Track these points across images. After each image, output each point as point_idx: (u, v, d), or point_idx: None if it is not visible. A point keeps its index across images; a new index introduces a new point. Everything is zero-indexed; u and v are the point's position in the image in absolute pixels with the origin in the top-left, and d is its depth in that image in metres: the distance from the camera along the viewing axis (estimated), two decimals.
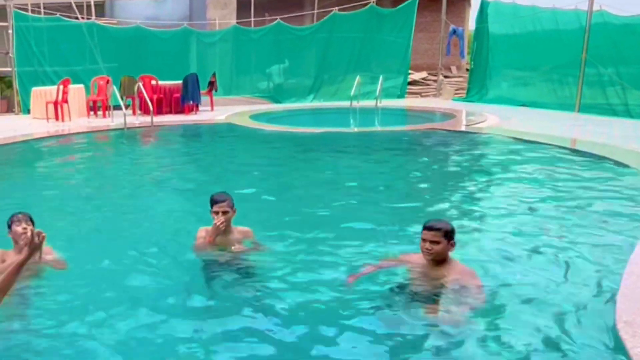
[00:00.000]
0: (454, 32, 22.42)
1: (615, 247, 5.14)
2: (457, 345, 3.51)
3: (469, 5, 27.66)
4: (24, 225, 4.38)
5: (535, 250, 5.17)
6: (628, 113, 14.48)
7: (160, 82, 16.11)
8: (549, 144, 10.42)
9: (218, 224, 4.67)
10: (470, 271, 4.25)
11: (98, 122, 14.77)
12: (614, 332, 3.43)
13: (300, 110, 17.59)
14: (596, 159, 9.13)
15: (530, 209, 6.59)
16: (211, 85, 17.22)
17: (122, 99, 14.66)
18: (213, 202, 4.79)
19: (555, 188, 7.51)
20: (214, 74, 17.44)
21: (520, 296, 4.17)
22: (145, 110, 15.10)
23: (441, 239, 4.13)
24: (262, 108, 17.49)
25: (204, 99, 16.83)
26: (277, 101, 19.31)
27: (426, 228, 4.19)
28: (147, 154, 11.92)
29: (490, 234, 5.74)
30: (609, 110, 15.04)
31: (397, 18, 20.54)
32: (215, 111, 16.43)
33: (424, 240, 4.18)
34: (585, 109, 15.65)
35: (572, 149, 10.14)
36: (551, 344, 3.53)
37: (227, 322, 3.83)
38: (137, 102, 15.76)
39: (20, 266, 3.01)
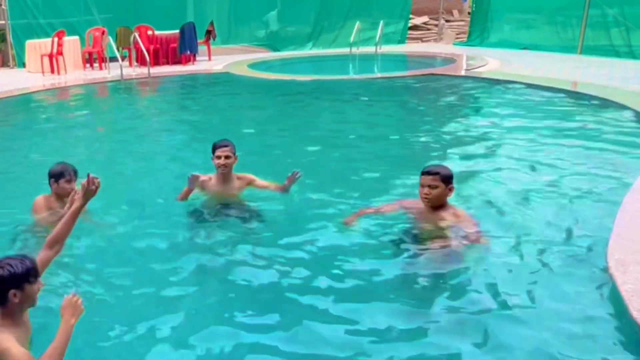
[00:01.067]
0: None
1: (612, 187, 5.24)
2: (460, 287, 3.65)
3: None
4: (73, 185, 4.34)
5: (534, 191, 5.26)
6: (631, 54, 14.37)
7: (157, 32, 15.94)
8: (550, 87, 10.42)
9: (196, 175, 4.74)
10: (468, 216, 4.30)
11: (94, 74, 14.71)
12: (605, 269, 3.53)
13: (299, 58, 17.47)
14: (597, 101, 9.14)
15: (529, 151, 6.67)
16: (209, 34, 17.07)
17: (118, 50, 14.58)
18: (215, 147, 4.80)
19: (554, 131, 7.58)
20: (211, 23, 17.26)
21: (518, 237, 4.26)
22: (142, 62, 14.99)
23: (439, 183, 4.16)
24: (260, 56, 17.37)
25: (202, 48, 16.72)
26: (276, 49, 19.13)
27: (424, 173, 4.23)
28: (145, 106, 11.97)
29: (489, 177, 5.80)
30: (611, 51, 14.92)
31: None
32: (213, 60, 16.36)
33: (422, 185, 4.21)
34: (587, 50, 15.53)
35: (573, 91, 10.14)
36: (545, 281, 3.65)
37: (224, 277, 3.90)
38: (133, 53, 15.55)
39: (76, 214, 3.03)
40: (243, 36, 19.74)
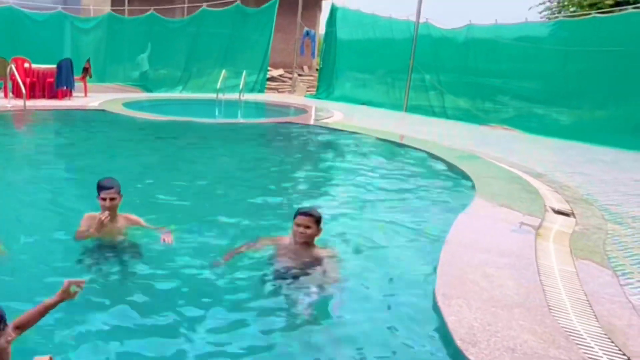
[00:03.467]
0: (307, 34, 22.82)
1: (435, 228, 5.44)
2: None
3: (320, 10, 28.21)
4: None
5: (372, 231, 5.40)
6: (445, 114, 15.59)
7: (34, 66, 14.76)
8: (383, 138, 11.01)
9: (103, 218, 4.29)
10: (332, 251, 4.43)
11: None
12: (434, 302, 3.62)
13: (171, 100, 16.98)
14: (418, 152, 9.74)
15: (366, 192, 6.94)
16: (85, 71, 16.12)
17: None
18: (101, 188, 4.40)
19: (386, 176, 7.96)
20: (88, 60, 16.34)
21: (362, 272, 4.35)
22: (17, 94, 13.70)
23: (313, 225, 4.23)
24: (134, 96, 16.64)
25: (78, 84, 15.75)
26: (149, 90, 18.51)
27: (301, 214, 4.25)
28: (20, 139, 10.92)
29: (333, 218, 5.80)
30: (429, 111, 16.08)
31: (260, 17, 20.42)
32: (89, 97, 15.43)
33: (298, 224, 4.22)
34: (411, 109, 16.64)
35: (401, 143, 10.77)
36: (383, 311, 3.75)
37: (108, 309, 3.62)
38: (9, 84, 14.16)
39: (48, 309, 2.67)
40: (118, 75, 18.96)
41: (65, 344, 3.17)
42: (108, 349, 3.16)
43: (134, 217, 4.72)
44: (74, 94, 15.39)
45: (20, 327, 2.62)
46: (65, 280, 2.67)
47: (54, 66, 14.80)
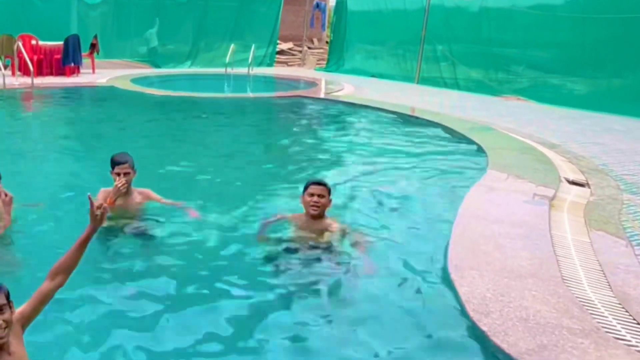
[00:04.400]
0: (317, 5, 22.57)
1: (448, 200, 5.46)
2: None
3: None
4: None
5: (384, 204, 5.41)
6: (457, 86, 15.47)
7: (41, 43, 14.67)
8: (394, 111, 10.93)
9: (119, 185, 4.31)
10: (341, 224, 4.44)
11: None
12: (446, 273, 3.64)
13: (179, 75, 16.89)
14: (431, 124, 9.69)
15: (378, 165, 6.92)
16: (93, 47, 16.01)
17: (0, 58, 13.32)
18: (114, 163, 4.42)
19: (397, 149, 7.94)
20: (95, 36, 16.21)
21: (376, 245, 4.34)
22: (25, 71, 13.59)
23: (326, 193, 4.26)
24: (142, 72, 16.60)
25: (85, 61, 15.70)
26: (157, 65, 18.41)
27: (314, 183, 4.28)
28: (29, 116, 10.98)
29: (345, 191, 5.84)
30: (441, 82, 15.96)
31: None
32: (97, 74, 15.36)
33: (311, 194, 4.22)
34: (423, 81, 16.50)
35: (412, 115, 10.72)
36: (396, 282, 3.76)
37: (123, 286, 3.63)
38: (16, 62, 14.10)
39: (83, 244, 2.50)
40: (125, 51, 18.83)
41: (82, 316, 3.21)
42: (121, 324, 3.17)
43: (149, 191, 4.76)
44: (82, 70, 15.35)
45: (61, 271, 2.47)
46: (90, 208, 2.52)
47: (61, 43, 14.73)
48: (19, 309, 2.37)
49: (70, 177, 6.13)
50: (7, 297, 2.26)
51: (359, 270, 3.95)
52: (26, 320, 2.41)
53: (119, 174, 4.40)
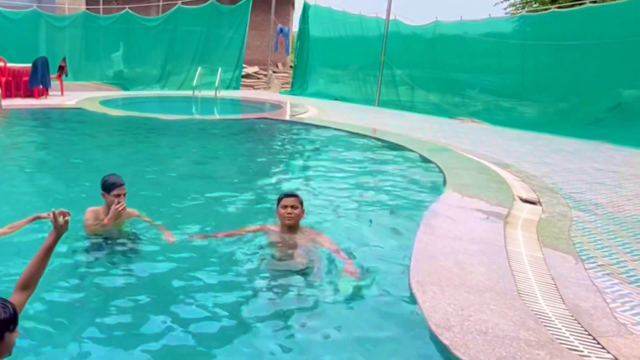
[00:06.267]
0: (281, 31, 22.71)
1: (409, 218, 5.49)
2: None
3: (293, 7, 28.09)
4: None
5: (345, 222, 5.39)
6: (415, 109, 15.71)
7: (9, 65, 14.40)
8: (356, 133, 11.04)
9: (120, 208, 4.28)
10: (317, 232, 4.48)
11: None
12: (409, 289, 3.64)
13: (147, 98, 16.74)
14: (390, 145, 9.82)
15: (340, 185, 6.94)
16: (61, 69, 15.77)
17: None
18: (113, 185, 4.34)
19: (359, 169, 7.98)
20: (64, 59, 15.97)
21: (338, 262, 4.27)
22: None
23: (299, 204, 4.30)
24: (112, 94, 16.40)
25: (54, 83, 15.41)
26: (126, 88, 18.23)
27: (286, 196, 4.33)
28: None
29: (308, 209, 5.86)
30: (400, 105, 16.20)
31: (235, 15, 20.30)
32: (66, 96, 15.12)
33: (284, 206, 4.26)
34: (383, 104, 16.72)
35: (373, 136, 10.84)
36: (360, 299, 3.74)
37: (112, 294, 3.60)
38: None
39: (47, 252, 2.48)
40: (94, 74, 18.61)
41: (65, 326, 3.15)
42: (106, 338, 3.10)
43: (135, 211, 4.72)
44: (50, 92, 15.04)
45: (30, 282, 2.46)
46: (51, 213, 2.51)
47: (30, 65, 14.44)
48: None
49: (36, 198, 5.93)
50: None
51: (342, 273, 3.96)
52: None
53: (118, 195, 4.35)
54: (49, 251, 2.49)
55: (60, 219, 2.49)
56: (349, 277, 3.99)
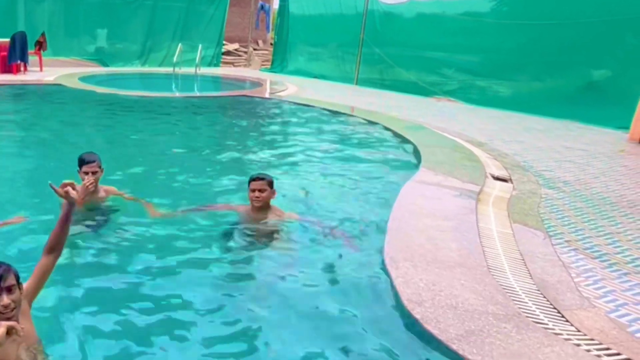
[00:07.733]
0: (262, 7, 22.31)
1: (383, 195, 5.49)
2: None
3: None
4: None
5: (321, 199, 5.39)
6: (394, 87, 15.61)
7: None
8: (335, 110, 10.96)
9: (88, 184, 4.15)
10: (285, 212, 4.50)
11: None
12: (382, 265, 3.66)
13: (127, 75, 16.34)
14: (369, 123, 9.79)
15: (317, 162, 6.94)
16: (40, 45, 15.25)
17: None
18: (83, 162, 4.25)
19: (336, 146, 7.94)
20: (43, 34, 15.45)
21: (314, 238, 4.32)
22: None
23: (267, 187, 4.31)
24: (91, 70, 15.99)
25: (33, 59, 14.97)
26: (105, 64, 17.80)
27: (254, 179, 4.32)
28: None
29: (284, 186, 5.75)
30: (379, 84, 16.11)
31: None
32: (44, 72, 14.71)
33: (252, 190, 4.29)
34: (362, 82, 16.61)
35: (351, 114, 10.80)
36: (335, 275, 3.73)
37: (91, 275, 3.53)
38: None
39: (65, 218, 2.58)
40: (73, 49, 18.03)
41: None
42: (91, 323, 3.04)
43: (113, 188, 4.65)
44: (29, 68, 14.62)
45: (54, 247, 2.58)
46: (60, 186, 2.58)
47: (8, 40, 13.98)
48: (24, 286, 2.41)
49: (16, 175, 5.80)
50: (17, 278, 2.31)
51: (344, 248, 4.07)
52: (31, 296, 2.50)
53: (87, 173, 4.24)
54: (67, 220, 2.60)
55: (69, 190, 2.58)
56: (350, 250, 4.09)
